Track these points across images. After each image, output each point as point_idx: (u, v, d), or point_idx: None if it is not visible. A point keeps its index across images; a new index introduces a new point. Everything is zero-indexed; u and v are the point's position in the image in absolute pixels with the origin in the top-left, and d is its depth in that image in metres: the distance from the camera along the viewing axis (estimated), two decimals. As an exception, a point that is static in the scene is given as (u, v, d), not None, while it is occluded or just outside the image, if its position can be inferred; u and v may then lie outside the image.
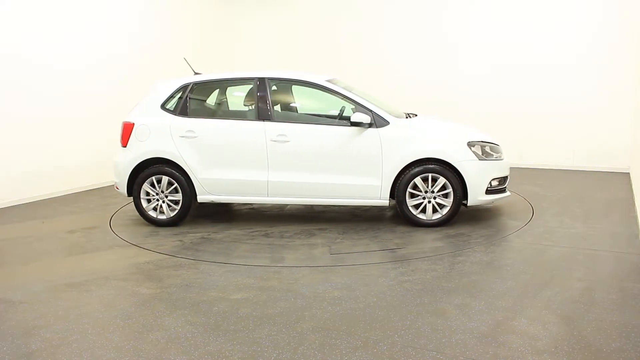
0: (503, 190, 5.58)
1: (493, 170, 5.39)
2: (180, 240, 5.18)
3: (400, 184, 5.27)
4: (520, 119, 8.69)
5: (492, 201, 5.62)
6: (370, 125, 5.28)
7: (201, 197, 5.60)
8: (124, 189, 5.78)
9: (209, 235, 5.34)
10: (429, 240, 4.96)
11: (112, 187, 7.90)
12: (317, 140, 5.40)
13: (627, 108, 7.84)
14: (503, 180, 5.54)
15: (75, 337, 3.20)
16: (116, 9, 8.15)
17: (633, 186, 6.69)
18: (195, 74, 6.14)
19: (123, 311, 3.56)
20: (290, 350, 2.97)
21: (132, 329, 3.30)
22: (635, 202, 5.87)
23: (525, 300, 3.57)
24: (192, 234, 5.38)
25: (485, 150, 5.41)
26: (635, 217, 5.47)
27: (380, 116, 5.33)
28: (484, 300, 3.58)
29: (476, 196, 5.28)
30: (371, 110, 5.33)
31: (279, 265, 4.41)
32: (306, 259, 4.54)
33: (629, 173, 7.77)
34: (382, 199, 5.35)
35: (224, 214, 6.24)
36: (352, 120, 5.28)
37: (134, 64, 8.46)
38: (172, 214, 5.63)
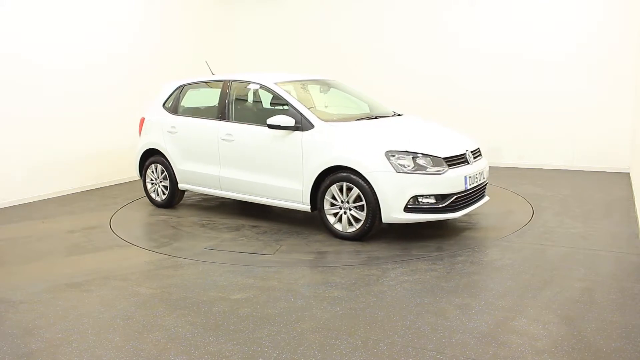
0: (441, 211, 4.77)
1: (417, 185, 4.66)
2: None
3: (320, 191, 5.05)
4: (520, 118, 8.69)
5: (420, 221, 4.81)
6: (296, 128, 5.17)
7: (180, 186, 6.35)
8: (136, 172, 6.84)
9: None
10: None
11: (112, 187, 7.92)
12: (254, 141, 5.55)
13: (627, 108, 7.84)
14: (440, 198, 4.75)
15: (75, 337, 3.20)
16: (116, 9, 8.15)
17: (633, 186, 6.69)
18: (212, 75, 6.69)
19: (123, 311, 3.56)
20: (290, 350, 2.97)
21: (132, 329, 3.30)
22: (635, 202, 5.87)
23: (525, 300, 3.57)
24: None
25: (417, 162, 4.72)
26: (635, 217, 5.47)
27: (308, 120, 5.14)
28: (484, 300, 3.58)
29: (390, 212, 4.68)
30: (301, 114, 5.19)
31: (279, 265, 4.41)
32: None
33: (629, 173, 7.77)
34: (304, 204, 5.19)
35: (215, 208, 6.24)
36: (267, 122, 5.23)
37: (134, 64, 8.46)
38: (164, 198, 6.53)
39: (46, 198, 7.16)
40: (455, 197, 4.81)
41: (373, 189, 4.71)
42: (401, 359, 2.86)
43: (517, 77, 8.64)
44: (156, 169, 6.50)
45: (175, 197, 6.46)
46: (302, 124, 5.17)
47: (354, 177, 4.79)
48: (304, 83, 6.13)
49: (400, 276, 4.07)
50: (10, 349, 3.09)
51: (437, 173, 4.73)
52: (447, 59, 9.18)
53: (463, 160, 5.01)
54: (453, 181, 4.78)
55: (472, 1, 8.89)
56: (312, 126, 5.12)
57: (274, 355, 2.93)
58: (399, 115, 6.03)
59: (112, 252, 4.90)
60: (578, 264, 4.23)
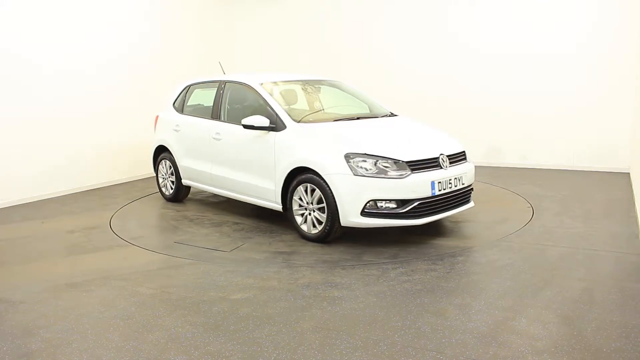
0: (401, 217, 4.61)
1: (375, 189, 4.54)
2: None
3: (289, 192, 5.09)
4: (520, 118, 8.69)
5: (379, 226, 4.67)
6: (271, 128, 5.24)
7: (183, 181, 6.62)
8: (152, 167, 7.22)
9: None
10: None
11: (112, 187, 7.92)
12: (236, 140, 5.71)
13: (627, 108, 7.84)
14: (401, 203, 4.58)
15: (75, 337, 3.20)
16: (117, 10, 8.15)
17: (633, 186, 6.69)
18: (224, 75, 6.90)
19: (123, 311, 3.56)
20: (290, 350, 2.97)
21: (132, 329, 3.30)
22: (635, 202, 5.87)
23: (525, 300, 3.57)
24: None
25: (378, 166, 4.59)
26: (635, 217, 5.47)
27: (282, 120, 5.21)
28: (484, 300, 3.58)
29: (347, 216, 4.61)
30: (276, 114, 5.27)
31: (279, 264, 4.41)
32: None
33: (629, 173, 7.77)
34: (276, 203, 5.26)
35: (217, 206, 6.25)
36: (242, 122, 5.35)
37: (134, 64, 8.47)
38: (170, 192, 6.85)
39: (46, 198, 7.16)
40: (417, 203, 4.61)
41: (332, 191, 4.67)
42: (401, 359, 2.86)
43: (517, 77, 8.64)
44: (165, 164, 6.85)
45: (180, 192, 6.75)
46: (276, 125, 5.23)
47: (316, 178, 4.79)
48: (299, 83, 6.20)
49: (400, 276, 4.07)
50: (10, 349, 3.09)
51: (398, 177, 4.56)
52: (447, 58, 9.18)
53: (434, 164, 4.79)
54: (416, 186, 4.59)
55: (472, 1, 8.89)
56: (285, 127, 5.18)
57: (274, 355, 2.93)
58: (392, 115, 5.97)
59: (112, 252, 4.90)
60: (578, 264, 4.23)
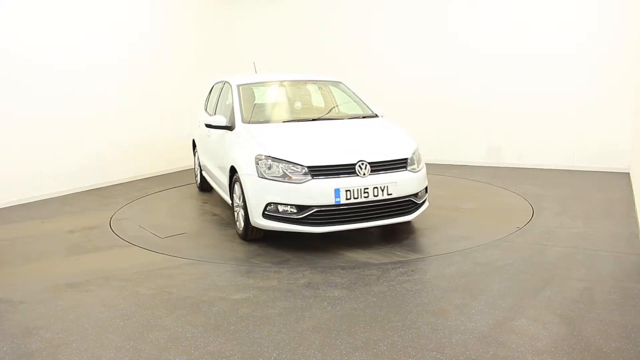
0: (299, 222, 4.52)
1: (274, 192, 4.53)
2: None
3: (229, 189, 5.38)
4: (520, 118, 8.68)
5: (280, 229, 4.64)
6: (228, 127, 5.50)
7: (203, 173, 7.12)
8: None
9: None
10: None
11: (112, 187, 7.93)
12: (214, 138, 6.03)
13: (627, 108, 7.83)
14: (299, 208, 4.49)
15: (75, 337, 3.20)
16: (117, 10, 8.15)
17: (633, 186, 6.69)
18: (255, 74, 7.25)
19: (123, 311, 3.56)
20: (290, 350, 2.97)
21: (132, 329, 3.30)
22: (635, 202, 5.87)
23: (525, 300, 3.57)
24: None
25: (282, 169, 4.56)
26: (635, 217, 5.47)
27: (235, 120, 5.43)
28: (484, 300, 3.58)
29: (253, 217, 4.67)
30: (234, 114, 5.52)
31: (279, 265, 4.41)
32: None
33: (629, 173, 7.77)
34: (230, 199, 5.48)
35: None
36: (204, 122, 5.78)
37: (134, 64, 8.47)
38: (198, 182, 7.50)
39: (46, 198, 7.17)
40: (316, 209, 4.46)
41: (243, 191, 4.81)
42: (401, 359, 2.86)
43: (517, 77, 8.63)
44: (195, 157, 7.57)
45: (204, 183, 7.21)
46: (232, 124, 5.47)
47: (239, 178, 4.92)
48: (286, 84, 6.32)
49: (400, 276, 4.07)
50: (10, 349, 3.09)
51: (297, 182, 4.48)
52: (447, 58, 9.18)
53: (348, 171, 4.55)
54: (315, 192, 4.44)
55: (472, 1, 8.89)
56: (235, 127, 5.41)
57: (274, 355, 2.93)
58: (372, 117, 5.77)
59: (112, 252, 4.90)
60: (578, 264, 4.23)
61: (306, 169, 4.52)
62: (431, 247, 4.79)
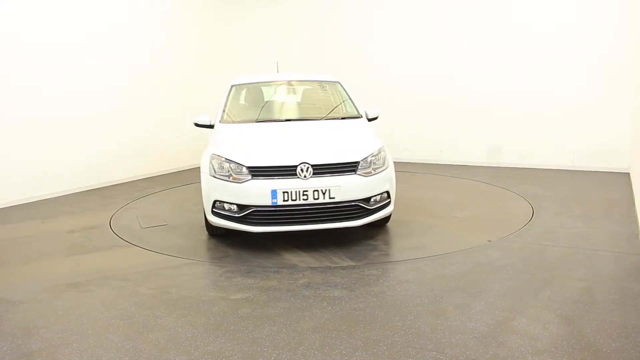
0: (239, 221, 4.61)
1: (218, 190, 4.67)
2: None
3: None
4: (520, 118, 8.69)
5: (226, 227, 4.76)
6: (211, 126, 5.69)
7: None
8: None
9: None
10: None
11: (112, 187, 7.92)
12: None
13: (627, 108, 7.84)
14: (240, 207, 4.58)
15: (75, 337, 3.20)
16: (117, 10, 8.15)
17: (633, 186, 6.69)
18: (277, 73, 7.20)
19: (123, 311, 3.56)
20: (290, 350, 2.97)
21: (132, 329, 3.30)
22: (635, 202, 5.87)
23: (525, 300, 3.57)
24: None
25: (229, 168, 4.67)
26: (635, 217, 5.47)
27: (216, 119, 5.68)
28: (484, 300, 3.58)
29: (207, 213, 4.85)
30: (218, 114, 5.75)
31: (279, 265, 4.41)
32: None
33: (629, 173, 7.77)
34: None
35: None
36: (193, 120, 5.86)
37: (134, 64, 8.47)
38: None
39: (46, 198, 7.16)
40: (253, 209, 4.53)
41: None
42: (401, 359, 2.86)
43: (517, 77, 8.64)
44: None
45: None
46: (214, 123, 5.68)
47: None
48: (281, 84, 6.35)
49: (400, 276, 4.07)
50: (10, 349, 3.09)
51: (238, 182, 4.57)
52: (447, 58, 9.18)
53: (289, 173, 4.53)
54: (252, 192, 4.50)
55: (472, 1, 8.89)
56: (214, 126, 5.62)
57: (274, 355, 2.93)
58: (353, 118, 5.67)
59: (112, 252, 4.90)
60: (578, 264, 4.23)
61: (247, 169, 4.60)
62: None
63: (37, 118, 7.04)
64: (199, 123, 5.75)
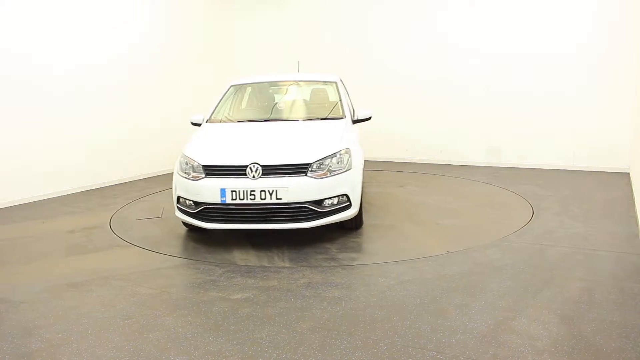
0: (194, 217, 4.80)
1: (179, 187, 4.92)
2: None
3: None
4: (520, 118, 8.69)
5: (189, 223, 4.95)
6: (199, 125, 5.90)
7: None
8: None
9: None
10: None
11: (112, 187, 7.93)
12: None
13: (627, 108, 7.84)
14: (194, 204, 4.76)
15: (75, 337, 3.20)
16: (117, 10, 8.15)
17: (633, 186, 6.69)
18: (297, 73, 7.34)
19: (123, 311, 3.56)
20: (290, 350, 2.97)
21: (132, 329, 3.30)
22: (635, 202, 5.87)
23: (525, 300, 3.57)
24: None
25: (189, 166, 4.85)
26: (635, 217, 5.47)
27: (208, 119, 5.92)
28: (484, 300, 3.58)
29: (175, 209, 5.11)
30: (208, 113, 5.98)
31: (278, 265, 4.41)
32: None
33: (629, 173, 7.77)
34: None
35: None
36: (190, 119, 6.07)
37: (134, 64, 8.47)
38: None
39: (46, 198, 7.16)
40: (204, 207, 4.69)
41: None
42: (401, 359, 2.86)
43: (517, 77, 8.64)
44: None
45: None
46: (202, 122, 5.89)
47: None
48: (278, 84, 6.44)
49: (401, 276, 4.07)
50: (10, 349, 3.09)
51: (194, 179, 4.76)
52: (447, 58, 9.18)
53: (239, 172, 4.61)
54: (203, 190, 4.65)
55: (472, 1, 8.89)
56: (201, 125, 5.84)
57: (274, 355, 2.93)
58: (336, 119, 5.61)
59: (112, 252, 4.90)
60: (578, 264, 4.23)
61: (202, 167, 4.77)
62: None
63: (37, 118, 7.04)
64: (194, 122, 5.95)
